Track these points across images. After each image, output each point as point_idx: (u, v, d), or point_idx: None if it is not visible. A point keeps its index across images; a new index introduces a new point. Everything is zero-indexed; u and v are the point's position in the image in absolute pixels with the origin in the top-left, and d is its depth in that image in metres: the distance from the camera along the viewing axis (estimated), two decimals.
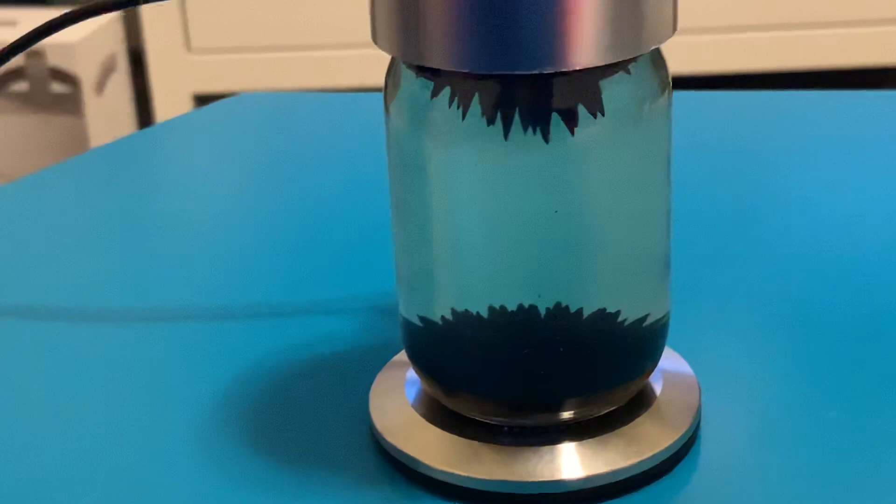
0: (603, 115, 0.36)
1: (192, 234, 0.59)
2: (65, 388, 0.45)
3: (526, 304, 0.38)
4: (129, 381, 0.45)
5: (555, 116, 0.36)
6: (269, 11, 1.66)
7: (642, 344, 0.39)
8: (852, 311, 0.47)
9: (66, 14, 0.43)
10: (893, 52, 1.64)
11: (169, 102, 1.70)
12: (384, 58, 0.38)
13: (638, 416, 0.40)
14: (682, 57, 1.58)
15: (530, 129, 0.36)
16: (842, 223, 0.54)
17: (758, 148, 0.63)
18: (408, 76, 0.37)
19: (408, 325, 0.40)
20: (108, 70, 1.74)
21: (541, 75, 0.34)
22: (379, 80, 0.39)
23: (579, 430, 0.39)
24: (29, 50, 1.65)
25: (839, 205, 0.56)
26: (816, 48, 1.65)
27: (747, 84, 1.64)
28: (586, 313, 0.38)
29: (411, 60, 0.36)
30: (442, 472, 0.38)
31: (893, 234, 0.53)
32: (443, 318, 0.39)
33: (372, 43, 0.37)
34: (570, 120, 0.35)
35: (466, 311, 0.38)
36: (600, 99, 0.36)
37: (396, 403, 0.41)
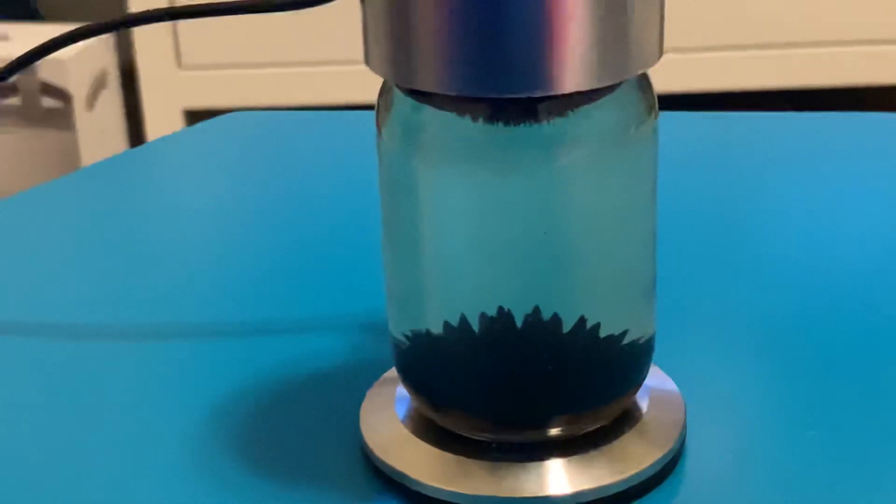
0: (589, 137, 0.37)
1: (184, 252, 0.59)
2: (53, 405, 0.45)
3: (514, 323, 0.38)
4: (119, 398, 0.46)
5: (542, 139, 0.36)
6: (260, 28, 1.66)
7: (628, 362, 0.40)
8: (837, 330, 0.48)
9: (69, 33, 0.44)
10: (876, 72, 1.65)
11: (160, 118, 1.70)
12: (375, 75, 0.39)
13: (624, 432, 0.40)
14: (668, 75, 1.59)
15: (518, 152, 0.36)
16: (826, 242, 0.55)
17: (744, 168, 0.64)
18: (400, 98, 0.38)
19: (397, 342, 0.41)
20: (99, 85, 1.75)
21: (529, 98, 0.35)
22: (370, 96, 0.39)
23: (566, 447, 0.39)
24: None
25: (824, 224, 0.57)
26: (800, 67, 1.66)
27: (733, 102, 1.65)
28: (573, 331, 0.38)
29: (402, 84, 0.37)
30: (431, 487, 0.39)
31: (878, 252, 0.54)
32: (432, 335, 0.39)
33: (363, 60, 0.38)
34: (557, 142, 0.36)
35: (455, 328, 0.39)
36: (587, 122, 0.36)
37: (386, 420, 0.42)
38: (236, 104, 1.62)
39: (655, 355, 0.41)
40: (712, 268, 0.53)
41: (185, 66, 1.70)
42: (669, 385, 0.43)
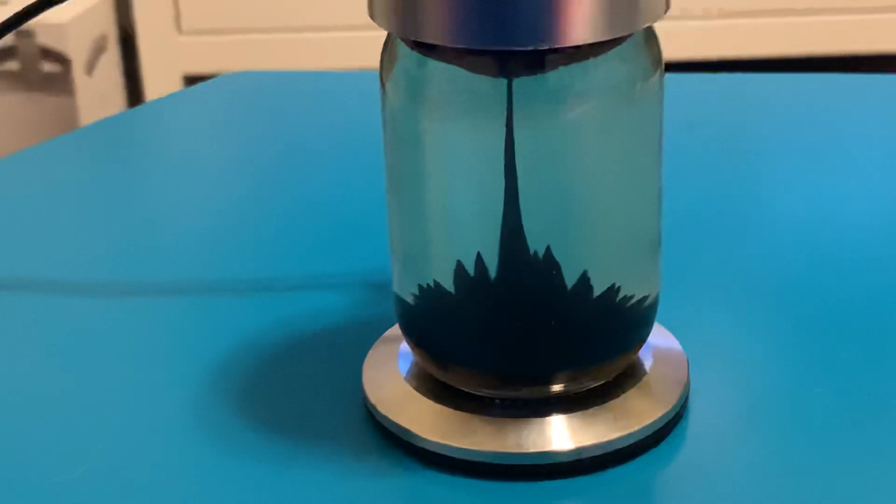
0: (595, 91, 0.36)
1: (184, 210, 0.59)
2: (57, 363, 0.45)
3: (518, 277, 0.38)
4: (122, 355, 0.46)
5: (548, 92, 0.36)
6: None
7: (632, 318, 0.40)
8: (837, 290, 0.48)
9: None
10: (881, 40, 1.65)
11: (159, 83, 1.70)
12: (375, 39, 0.38)
13: (627, 389, 0.40)
14: (679, 42, 1.59)
15: (524, 106, 0.36)
16: (829, 204, 0.55)
17: (749, 130, 0.64)
18: (404, 51, 0.37)
19: (401, 298, 0.40)
20: (98, 50, 1.74)
21: (535, 51, 0.35)
22: (370, 61, 0.39)
23: (569, 403, 0.39)
24: (19, 29, 1.65)
25: (826, 186, 0.57)
26: (806, 35, 1.65)
27: (744, 70, 1.65)
28: (576, 286, 0.38)
29: (407, 36, 0.36)
30: (434, 443, 0.39)
31: (878, 215, 0.54)
32: (436, 290, 0.39)
33: (363, 25, 0.37)
34: (564, 96, 0.36)
35: (459, 282, 0.39)
36: (593, 75, 0.36)
37: (389, 376, 0.42)
38: (236, 69, 1.61)
39: (659, 313, 0.41)
40: (717, 227, 0.53)
41: (186, 31, 1.69)
42: (672, 343, 0.43)
